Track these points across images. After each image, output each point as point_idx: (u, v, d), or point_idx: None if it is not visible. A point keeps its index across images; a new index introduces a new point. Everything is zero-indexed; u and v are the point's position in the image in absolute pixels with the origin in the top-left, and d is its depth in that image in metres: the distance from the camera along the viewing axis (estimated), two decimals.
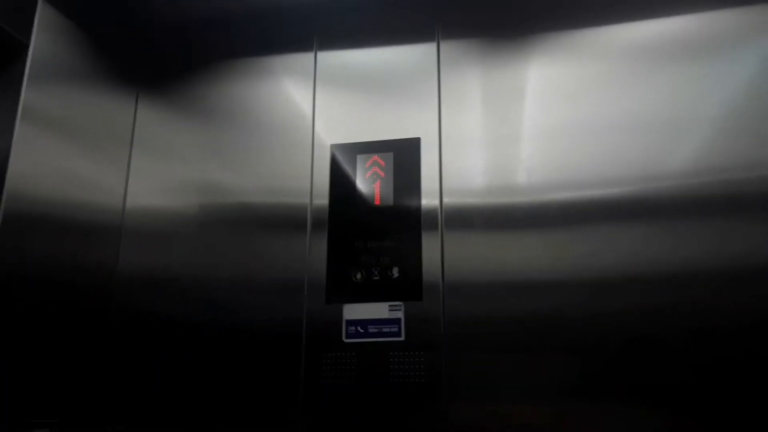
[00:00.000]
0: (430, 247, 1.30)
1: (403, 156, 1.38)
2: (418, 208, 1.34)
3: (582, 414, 1.16)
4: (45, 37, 1.28)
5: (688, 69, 1.29)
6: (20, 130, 1.19)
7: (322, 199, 1.38)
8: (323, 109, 1.46)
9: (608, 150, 1.28)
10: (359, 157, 1.40)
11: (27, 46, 1.23)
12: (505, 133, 1.35)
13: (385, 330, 1.27)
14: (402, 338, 1.26)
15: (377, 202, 1.36)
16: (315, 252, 1.35)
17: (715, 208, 1.20)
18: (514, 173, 1.32)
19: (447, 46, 1.44)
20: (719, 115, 1.24)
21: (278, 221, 1.40)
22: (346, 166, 1.40)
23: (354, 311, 1.29)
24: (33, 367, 1.20)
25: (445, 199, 1.33)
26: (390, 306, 1.28)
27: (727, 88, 1.26)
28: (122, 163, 1.50)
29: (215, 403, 1.30)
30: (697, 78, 1.28)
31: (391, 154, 1.39)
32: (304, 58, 1.50)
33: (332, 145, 1.42)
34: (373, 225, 1.35)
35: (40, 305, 1.22)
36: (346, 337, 1.28)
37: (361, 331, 1.28)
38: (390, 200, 1.36)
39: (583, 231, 1.25)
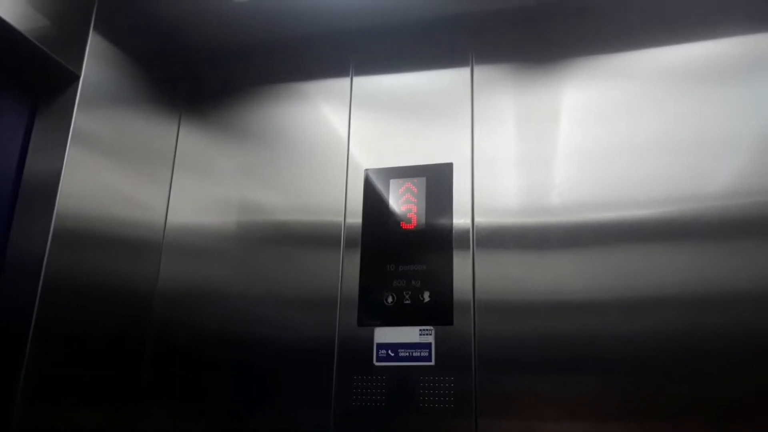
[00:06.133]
0: (461, 269, 1.31)
1: (436, 181, 1.39)
2: (450, 233, 1.35)
3: None
4: (95, 65, 1.34)
5: (722, 92, 1.28)
6: (71, 152, 1.25)
7: (356, 218, 1.41)
8: (358, 133, 1.49)
9: (642, 171, 1.27)
10: (392, 182, 1.42)
11: (78, 76, 1.29)
12: (538, 155, 1.35)
13: (415, 354, 1.28)
14: (432, 363, 1.27)
15: (409, 226, 1.38)
16: (348, 270, 1.38)
17: (752, 231, 1.18)
18: (547, 194, 1.32)
19: (480, 71, 1.45)
20: (755, 137, 1.23)
21: (312, 239, 1.42)
22: (380, 190, 1.43)
23: (385, 335, 1.31)
24: (75, 377, 1.25)
25: (477, 220, 1.34)
26: (421, 330, 1.30)
27: (762, 110, 1.24)
28: (165, 182, 1.56)
29: (250, 415, 1.34)
30: (732, 100, 1.27)
31: (423, 179, 1.40)
32: (341, 83, 1.53)
33: (366, 170, 1.45)
34: (405, 249, 1.37)
35: (86, 316, 1.28)
36: (377, 361, 1.30)
37: (392, 354, 1.29)
38: (422, 225, 1.37)
39: (617, 252, 1.24)
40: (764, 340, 1.12)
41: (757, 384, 1.11)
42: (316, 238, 1.42)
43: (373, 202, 1.42)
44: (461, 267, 1.32)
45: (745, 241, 1.18)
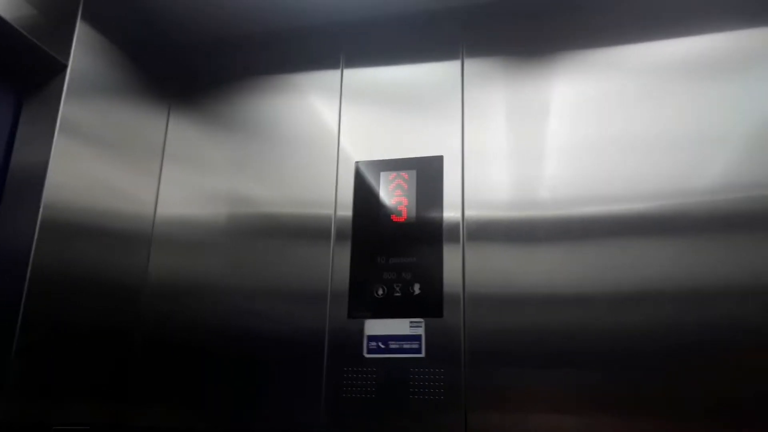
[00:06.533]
0: (451, 262, 1.32)
1: (426, 174, 1.39)
2: (440, 226, 1.35)
3: (604, 427, 1.16)
4: (83, 55, 1.32)
5: (715, 86, 1.29)
6: (58, 143, 1.24)
7: (346, 210, 1.41)
8: (348, 125, 1.48)
9: (633, 166, 1.28)
10: (383, 174, 1.42)
11: (66, 66, 1.28)
12: (528, 149, 1.36)
13: (405, 346, 1.28)
14: (422, 355, 1.27)
15: (400, 219, 1.38)
16: (338, 262, 1.38)
17: (742, 225, 1.19)
18: (537, 188, 1.32)
19: (471, 64, 1.45)
20: (745, 132, 1.24)
21: (303, 232, 1.42)
22: (370, 182, 1.43)
23: (375, 327, 1.31)
24: (64, 371, 1.24)
25: (467, 213, 1.34)
26: (411, 322, 1.30)
27: (755, 105, 1.25)
28: (154, 173, 1.55)
29: (239, 407, 1.34)
30: (725, 95, 1.27)
31: (414, 172, 1.40)
32: (331, 76, 1.53)
33: (357, 162, 1.45)
34: (395, 241, 1.37)
35: (73, 309, 1.27)
36: (367, 353, 1.30)
37: (382, 346, 1.30)
38: (412, 217, 1.38)
39: (606, 246, 1.25)
40: (751, 334, 1.13)
41: (745, 378, 1.12)
42: (306, 231, 1.42)
43: (364, 194, 1.42)
44: (451, 260, 1.32)
45: (733, 235, 1.19)
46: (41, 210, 1.20)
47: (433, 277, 1.31)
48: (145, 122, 1.53)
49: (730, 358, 1.13)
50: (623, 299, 1.21)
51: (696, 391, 1.13)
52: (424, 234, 1.35)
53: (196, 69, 1.65)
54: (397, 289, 1.33)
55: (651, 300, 1.19)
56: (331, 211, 1.42)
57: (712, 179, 1.23)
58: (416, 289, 1.32)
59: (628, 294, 1.21)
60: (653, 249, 1.22)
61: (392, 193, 1.40)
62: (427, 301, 1.31)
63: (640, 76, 1.34)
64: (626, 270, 1.22)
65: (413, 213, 1.38)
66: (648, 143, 1.29)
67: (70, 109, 1.28)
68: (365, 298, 1.34)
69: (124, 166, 1.45)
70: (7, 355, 1.12)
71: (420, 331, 1.29)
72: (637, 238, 1.23)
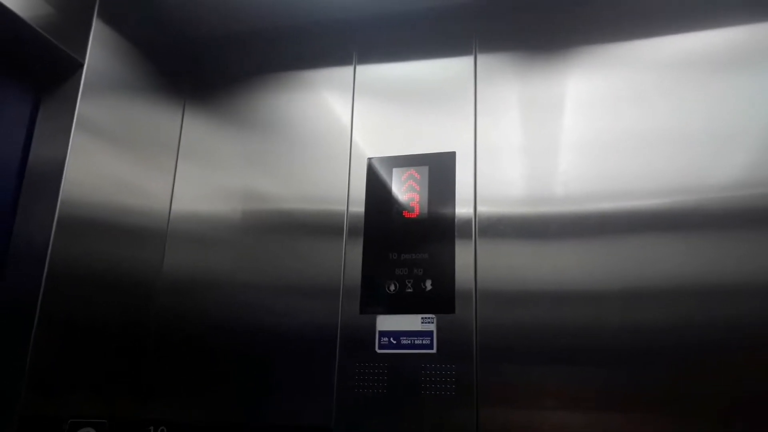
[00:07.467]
0: (463, 258, 1.31)
1: (439, 170, 1.39)
2: (453, 222, 1.35)
3: (615, 424, 1.15)
4: (99, 53, 1.34)
5: (731, 81, 1.27)
6: (75, 140, 1.26)
7: (359, 206, 1.41)
8: (361, 121, 1.49)
9: (647, 162, 1.27)
10: (395, 170, 1.42)
11: (82, 64, 1.30)
12: (541, 144, 1.35)
13: (417, 342, 1.29)
14: (434, 351, 1.27)
15: (412, 215, 1.38)
16: (350, 258, 1.38)
17: (758, 222, 1.18)
18: (550, 184, 1.32)
19: (484, 59, 1.45)
20: (763, 127, 1.22)
21: (315, 228, 1.43)
22: (383, 179, 1.43)
23: (387, 322, 1.32)
24: (80, 365, 1.26)
25: (480, 209, 1.34)
26: (423, 318, 1.30)
27: None
28: (169, 170, 1.57)
29: (252, 403, 1.35)
30: (740, 91, 1.26)
31: (426, 168, 1.40)
32: (344, 72, 1.53)
33: (369, 159, 1.45)
34: (407, 237, 1.37)
35: (88, 304, 1.29)
36: (379, 348, 1.31)
37: (394, 342, 1.30)
38: (425, 213, 1.38)
39: (619, 242, 1.24)
40: (765, 332, 1.12)
41: (758, 376, 1.11)
42: (319, 227, 1.43)
43: (376, 190, 1.42)
44: (463, 256, 1.32)
45: (748, 232, 1.18)
46: (58, 206, 1.22)
47: (445, 273, 1.31)
48: (160, 119, 1.55)
49: (743, 357, 1.12)
50: (636, 296, 1.20)
51: (708, 389, 1.12)
52: (437, 230, 1.35)
53: (210, 66, 1.66)
54: (409, 284, 1.33)
55: (664, 297, 1.18)
56: (343, 207, 1.43)
57: (728, 175, 1.21)
58: (428, 285, 1.32)
59: (641, 291, 1.20)
60: (667, 246, 1.21)
61: (404, 189, 1.40)
62: (438, 297, 1.31)
63: (654, 71, 1.32)
64: (639, 267, 1.21)
65: (425, 209, 1.38)
66: (662, 139, 1.27)
67: (87, 106, 1.30)
68: (377, 294, 1.34)
69: (140, 163, 1.46)
70: (25, 348, 1.14)
71: (432, 327, 1.29)
72: (650, 235, 1.22)
